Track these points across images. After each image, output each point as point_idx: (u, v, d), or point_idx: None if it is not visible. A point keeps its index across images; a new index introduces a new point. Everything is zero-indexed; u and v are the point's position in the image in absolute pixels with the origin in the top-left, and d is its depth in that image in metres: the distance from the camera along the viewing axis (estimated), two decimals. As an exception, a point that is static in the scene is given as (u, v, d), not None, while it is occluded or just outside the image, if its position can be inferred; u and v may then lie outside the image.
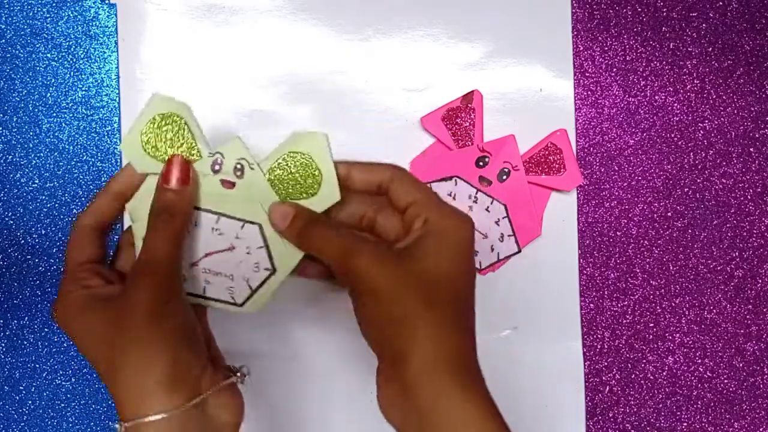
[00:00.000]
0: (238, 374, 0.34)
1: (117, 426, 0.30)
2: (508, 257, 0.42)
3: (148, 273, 0.31)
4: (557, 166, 0.42)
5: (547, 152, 0.42)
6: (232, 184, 0.34)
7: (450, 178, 0.42)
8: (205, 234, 0.35)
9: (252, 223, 0.35)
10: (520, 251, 0.42)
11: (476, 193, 0.42)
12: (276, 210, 0.34)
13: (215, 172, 0.34)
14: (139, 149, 0.33)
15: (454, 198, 0.42)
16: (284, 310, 0.43)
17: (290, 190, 0.34)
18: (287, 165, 0.34)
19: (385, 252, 0.32)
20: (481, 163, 0.42)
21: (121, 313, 0.31)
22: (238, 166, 0.34)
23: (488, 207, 0.42)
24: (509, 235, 0.42)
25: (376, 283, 0.31)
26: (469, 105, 0.42)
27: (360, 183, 0.35)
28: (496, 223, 0.42)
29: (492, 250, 0.42)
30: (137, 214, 0.34)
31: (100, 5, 0.42)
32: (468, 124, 0.42)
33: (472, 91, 0.42)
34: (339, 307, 0.43)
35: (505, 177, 0.42)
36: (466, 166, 0.42)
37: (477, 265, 0.42)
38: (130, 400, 0.30)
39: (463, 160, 0.42)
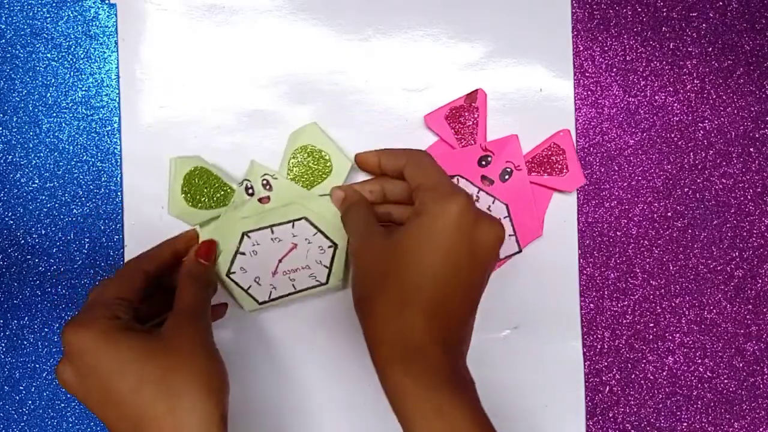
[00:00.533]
0: None
1: None
2: (508, 257, 0.42)
3: (193, 319, 0.34)
4: (560, 166, 0.42)
5: (549, 152, 0.42)
6: (268, 198, 0.40)
7: (452, 177, 0.42)
8: (269, 247, 0.40)
9: (298, 219, 0.40)
10: (520, 251, 0.42)
11: (478, 192, 0.42)
12: (333, 193, 0.40)
13: (250, 195, 0.40)
14: (187, 208, 0.40)
15: None
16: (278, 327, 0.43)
17: (312, 178, 0.40)
18: (299, 161, 0.40)
19: (379, 235, 0.34)
20: (483, 163, 0.41)
21: (170, 355, 0.31)
22: (264, 182, 0.40)
23: (490, 206, 0.42)
24: (510, 235, 0.42)
25: (357, 263, 0.34)
26: (473, 104, 0.41)
27: (389, 169, 0.39)
28: None
29: None
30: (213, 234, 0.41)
31: (100, 5, 0.42)
32: (471, 123, 0.42)
33: (476, 90, 0.42)
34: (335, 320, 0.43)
35: (507, 177, 0.41)
36: (469, 165, 0.42)
37: None
38: None
39: (465, 159, 0.42)
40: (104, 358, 0.30)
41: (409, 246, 0.32)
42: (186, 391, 0.30)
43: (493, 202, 0.42)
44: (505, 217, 0.42)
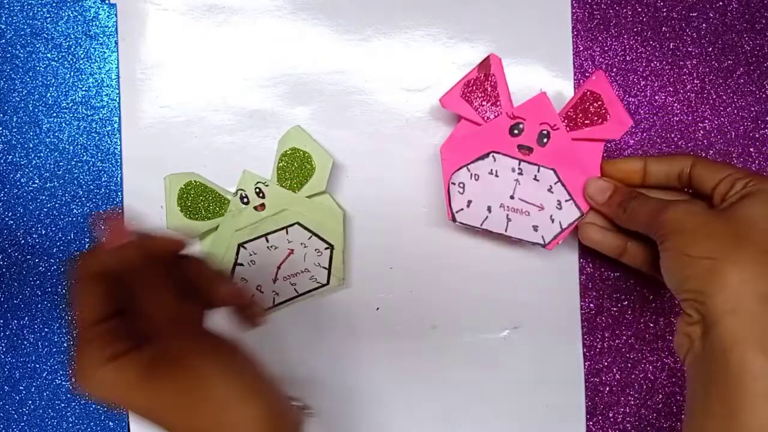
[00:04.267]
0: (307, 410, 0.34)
1: None
2: (572, 224, 0.39)
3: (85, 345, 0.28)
4: (599, 114, 0.38)
5: (585, 102, 0.38)
6: (263, 206, 0.40)
7: (486, 155, 0.38)
8: (266, 255, 0.41)
9: (290, 225, 0.40)
10: (583, 214, 0.39)
11: (519, 164, 0.39)
12: (594, 185, 0.38)
13: (245, 204, 0.40)
14: (184, 221, 0.40)
15: (496, 175, 0.39)
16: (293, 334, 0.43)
17: (299, 180, 0.40)
18: (285, 166, 0.40)
19: (695, 204, 0.33)
20: (516, 131, 0.38)
21: (197, 384, 0.28)
22: (257, 190, 0.40)
23: (536, 176, 0.39)
24: (567, 200, 0.39)
25: (682, 225, 0.32)
26: (488, 72, 0.38)
27: (658, 175, 0.37)
28: (549, 190, 0.39)
29: (552, 220, 0.39)
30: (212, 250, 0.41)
31: (100, 5, 0.42)
32: (491, 93, 0.38)
33: (488, 57, 0.38)
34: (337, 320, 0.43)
35: (545, 140, 0.38)
36: (501, 137, 0.38)
37: (540, 240, 0.39)
38: None
39: (495, 132, 0.38)
40: (128, 407, 0.29)
41: (753, 213, 0.31)
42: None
43: (538, 170, 0.39)
44: (556, 183, 0.39)
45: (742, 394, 0.28)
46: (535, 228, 0.39)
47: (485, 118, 0.38)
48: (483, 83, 0.38)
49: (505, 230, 0.39)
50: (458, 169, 0.39)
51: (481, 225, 0.39)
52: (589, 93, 0.38)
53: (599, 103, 0.38)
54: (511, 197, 0.39)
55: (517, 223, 0.39)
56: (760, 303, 0.29)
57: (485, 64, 0.38)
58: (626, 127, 0.38)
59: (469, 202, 0.39)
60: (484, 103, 0.38)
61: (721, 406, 0.29)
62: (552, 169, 0.39)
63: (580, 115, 0.38)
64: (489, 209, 0.39)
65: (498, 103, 0.38)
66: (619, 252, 0.39)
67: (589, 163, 0.39)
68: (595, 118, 0.38)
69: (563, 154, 0.39)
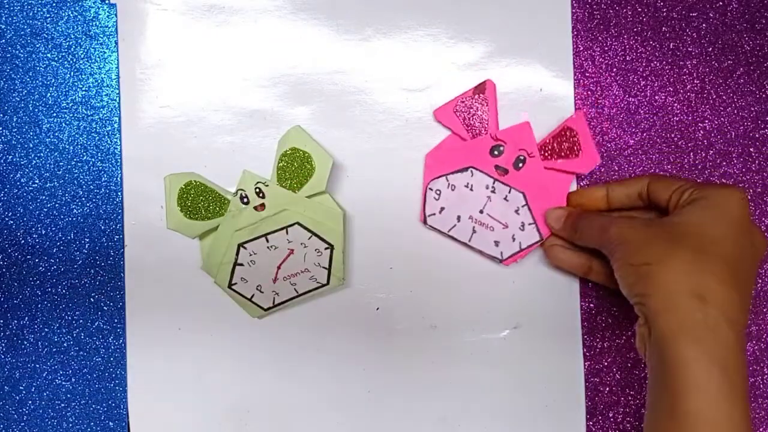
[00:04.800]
0: None
1: None
2: (530, 246, 0.42)
3: None
4: (572, 149, 0.41)
5: (562, 137, 0.41)
6: (263, 206, 0.40)
7: (465, 169, 0.41)
8: (266, 255, 0.41)
9: (290, 225, 0.40)
10: (542, 239, 0.42)
11: (493, 183, 0.41)
12: (552, 214, 0.41)
13: (245, 204, 0.40)
14: (184, 221, 0.40)
15: (471, 189, 0.42)
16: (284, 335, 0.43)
17: (298, 180, 0.40)
18: (285, 166, 0.40)
19: (636, 219, 0.36)
20: (495, 152, 0.41)
21: None
22: (257, 190, 0.40)
23: (506, 196, 0.41)
24: (530, 224, 0.42)
25: (624, 237, 0.35)
26: (482, 95, 0.41)
27: (620, 197, 0.40)
28: (516, 212, 0.41)
29: (513, 239, 0.42)
30: (212, 271, 0.41)
31: (100, 5, 0.42)
32: (481, 114, 0.41)
33: (485, 82, 0.41)
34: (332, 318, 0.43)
35: (521, 165, 0.41)
36: (481, 155, 0.41)
37: (499, 255, 0.42)
38: None
39: (477, 150, 0.41)
40: None
41: (689, 219, 0.34)
42: None
43: (509, 192, 0.41)
44: (523, 206, 0.41)
45: (679, 384, 0.31)
46: (497, 243, 0.42)
47: (471, 135, 0.41)
48: (475, 104, 0.41)
49: (469, 240, 0.42)
50: (438, 177, 0.42)
51: (448, 231, 0.42)
52: (567, 129, 0.41)
53: (575, 139, 0.41)
54: (481, 212, 0.42)
55: (481, 236, 0.42)
56: (691, 300, 0.31)
57: (480, 87, 0.41)
58: (594, 165, 0.41)
59: (442, 208, 0.42)
60: (472, 121, 0.41)
61: (666, 398, 0.31)
62: (522, 193, 0.41)
63: (556, 147, 0.41)
64: (458, 218, 0.42)
65: (485, 124, 0.41)
66: (584, 270, 0.41)
67: (556, 192, 0.42)
68: (569, 152, 0.41)
69: (534, 180, 0.41)
